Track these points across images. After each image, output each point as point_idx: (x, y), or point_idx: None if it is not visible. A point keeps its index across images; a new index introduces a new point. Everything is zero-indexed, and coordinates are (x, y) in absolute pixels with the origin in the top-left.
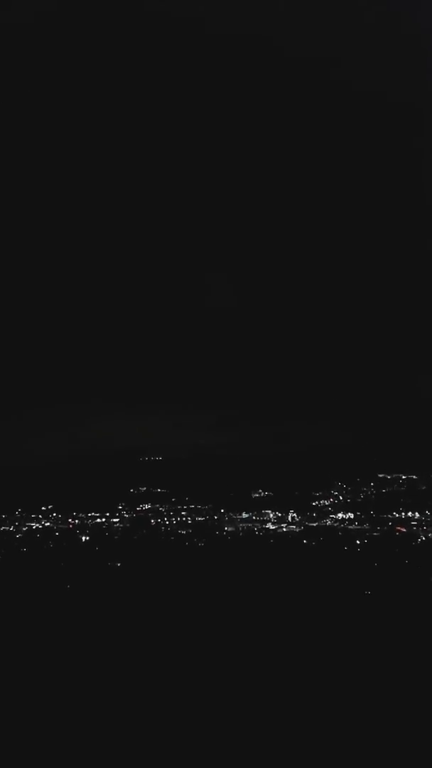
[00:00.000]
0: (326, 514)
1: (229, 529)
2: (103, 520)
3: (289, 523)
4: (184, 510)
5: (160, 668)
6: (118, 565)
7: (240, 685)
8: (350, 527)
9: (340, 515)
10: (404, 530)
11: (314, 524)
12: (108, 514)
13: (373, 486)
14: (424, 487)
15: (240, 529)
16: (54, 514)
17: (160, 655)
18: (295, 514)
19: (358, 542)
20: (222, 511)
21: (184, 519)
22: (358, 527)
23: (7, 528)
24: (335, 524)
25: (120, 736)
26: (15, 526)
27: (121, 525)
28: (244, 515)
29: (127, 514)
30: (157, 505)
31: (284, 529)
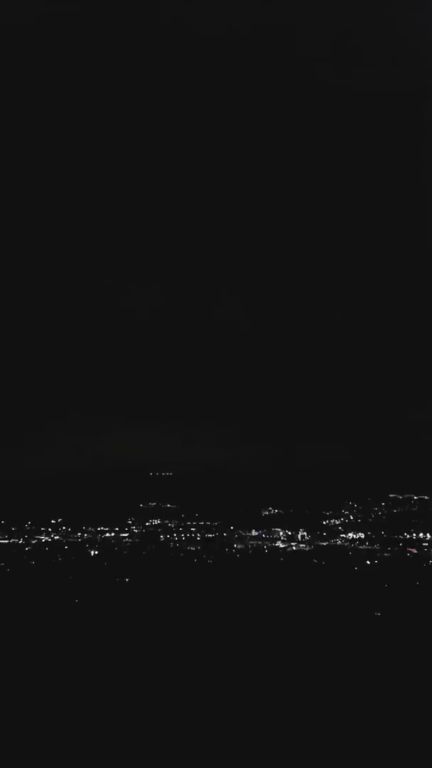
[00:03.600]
0: (336, 534)
1: (239, 546)
2: (113, 534)
3: (299, 542)
4: (194, 526)
5: (165, 682)
6: (127, 580)
7: (243, 702)
8: (360, 547)
9: (350, 535)
10: (415, 551)
11: (324, 543)
12: (117, 529)
13: (384, 506)
14: None
15: (249, 546)
16: (63, 528)
17: (165, 671)
18: (305, 533)
19: (368, 562)
20: (231, 528)
21: (193, 535)
22: (369, 547)
23: (17, 540)
24: (345, 544)
25: (122, 743)
26: (24, 539)
27: (130, 540)
28: (254, 533)
29: (136, 528)
30: (167, 521)
31: (294, 548)
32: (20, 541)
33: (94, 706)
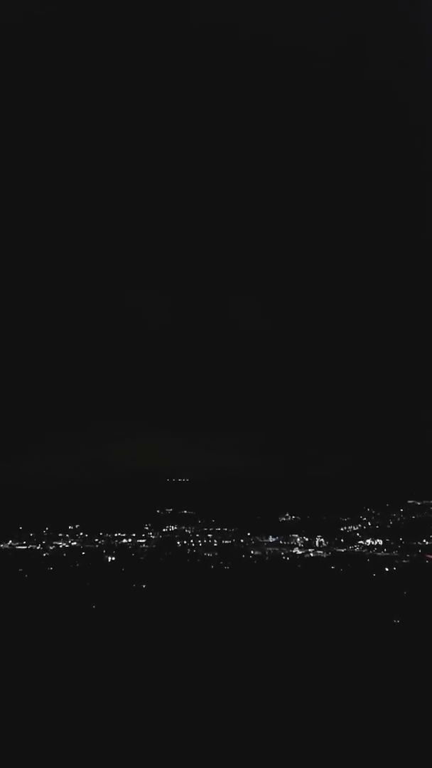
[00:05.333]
0: (354, 540)
1: (256, 552)
2: (129, 540)
3: (316, 548)
4: (211, 532)
5: (181, 687)
6: (144, 587)
7: (257, 707)
8: (378, 554)
9: (368, 541)
10: None
11: (342, 550)
12: (134, 535)
13: (402, 512)
14: None
15: (267, 553)
16: (81, 534)
17: (182, 676)
18: (322, 539)
19: (386, 569)
20: (248, 534)
21: (210, 541)
22: (387, 554)
23: (35, 546)
24: (363, 550)
25: (136, 744)
26: (42, 545)
27: (147, 546)
28: (271, 539)
29: (153, 535)
30: (184, 527)
31: (311, 554)
32: (38, 547)
33: (108, 711)
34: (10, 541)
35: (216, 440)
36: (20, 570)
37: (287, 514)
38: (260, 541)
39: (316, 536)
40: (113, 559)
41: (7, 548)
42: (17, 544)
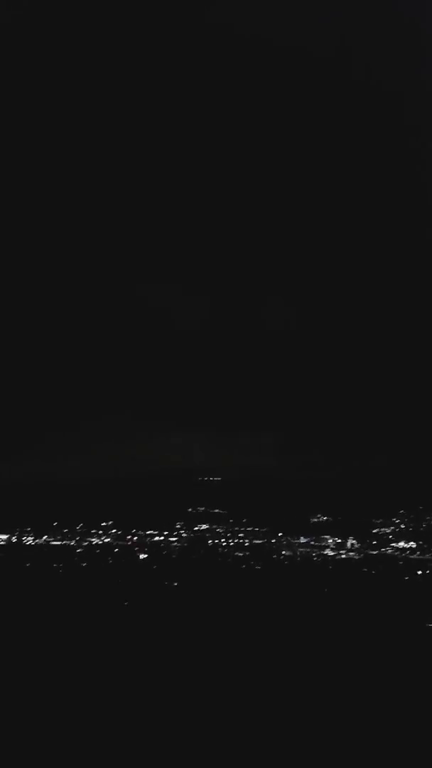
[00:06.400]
0: (387, 543)
1: (287, 553)
2: (161, 538)
3: (348, 550)
4: (242, 532)
5: (209, 689)
6: (175, 584)
7: (288, 715)
8: (412, 557)
9: (401, 544)
10: None
11: (374, 552)
12: (166, 533)
13: None
14: None
15: (298, 553)
16: (114, 531)
17: (210, 677)
18: (354, 541)
19: (419, 572)
20: (280, 534)
21: (241, 541)
22: (420, 557)
23: (69, 542)
24: (396, 553)
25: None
26: (76, 541)
27: (179, 544)
28: (303, 540)
29: (185, 533)
30: (215, 526)
31: (343, 556)
32: (72, 543)
33: (139, 711)
34: (45, 537)
35: (248, 440)
36: (55, 565)
37: (319, 515)
38: (292, 541)
39: (348, 538)
40: (145, 556)
41: (42, 544)
42: (52, 539)
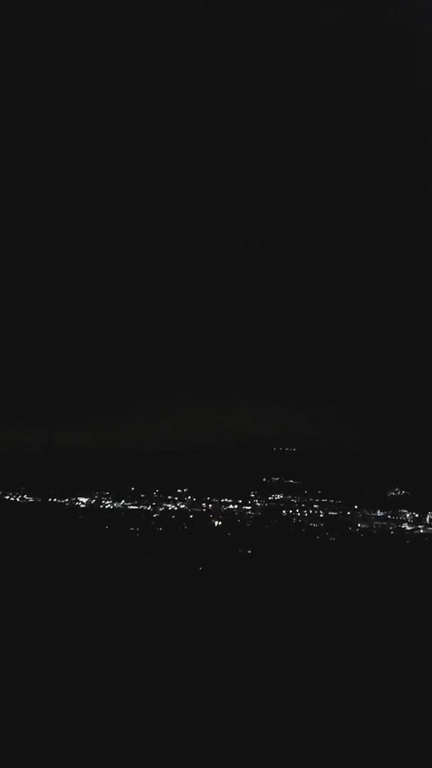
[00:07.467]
0: None
1: (363, 526)
2: (236, 507)
3: (426, 525)
4: (317, 503)
5: (281, 658)
6: (249, 552)
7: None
8: None
9: None
10: None
11: None
12: (240, 501)
13: None
14: None
15: (374, 527)
16: (189, 497)
17: (281, 646)
18: None
19: None
20: (356, 507)
21: (316, 512)
22: None
23: (145, 507)
24: None
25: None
26: (152, 506)
27: (253, 513)
28: (379, 513)
29: (259, 502)
30: (290, 496)
31: (421, 531)
32: (148, 508)
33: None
34: (123, 501)
35: (325, 410)
36: (131, 529)
37: (397, 489)
38: (368, 514)
39: (426, 513)
40: (219, 524)
41: (120, 507)
42: (129, 504)
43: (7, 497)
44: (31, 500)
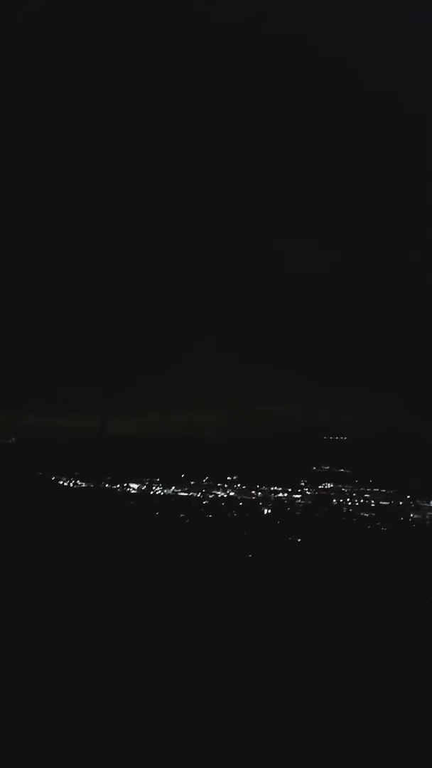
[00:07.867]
0: None
1: (415, 516)
2: (285, 495)
3: None
4: (368, 492)
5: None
6: (299, 540)
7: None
8: None
9: None
10: None
11: None
12: (290, 490)
13: None
14: None
15: (427, 517)
16: (238, 485)
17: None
18: None
19: None
20: (408, 497)
21: (366, 502)
22: None
23: (195, 494)
24: None
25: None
26: (202, 493)
27: (303, 502)
28: None
29: (308, 491)
30: (340, 485)
31: None
32: (198, 495)
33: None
34: (173, 488)
35: (378, 397)
36: (181, 515)
37: None
38: (420, 504)
39: None
40: (269, 512)
41: (170, 494)
42: (179, 490)
43: (61, 482)
44: (83, 485)
